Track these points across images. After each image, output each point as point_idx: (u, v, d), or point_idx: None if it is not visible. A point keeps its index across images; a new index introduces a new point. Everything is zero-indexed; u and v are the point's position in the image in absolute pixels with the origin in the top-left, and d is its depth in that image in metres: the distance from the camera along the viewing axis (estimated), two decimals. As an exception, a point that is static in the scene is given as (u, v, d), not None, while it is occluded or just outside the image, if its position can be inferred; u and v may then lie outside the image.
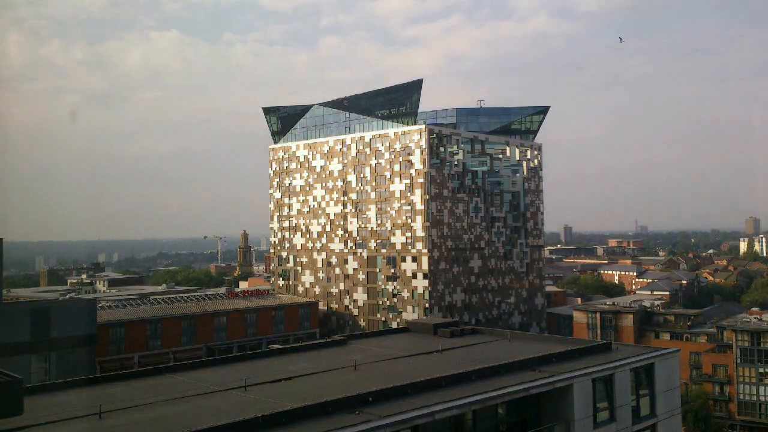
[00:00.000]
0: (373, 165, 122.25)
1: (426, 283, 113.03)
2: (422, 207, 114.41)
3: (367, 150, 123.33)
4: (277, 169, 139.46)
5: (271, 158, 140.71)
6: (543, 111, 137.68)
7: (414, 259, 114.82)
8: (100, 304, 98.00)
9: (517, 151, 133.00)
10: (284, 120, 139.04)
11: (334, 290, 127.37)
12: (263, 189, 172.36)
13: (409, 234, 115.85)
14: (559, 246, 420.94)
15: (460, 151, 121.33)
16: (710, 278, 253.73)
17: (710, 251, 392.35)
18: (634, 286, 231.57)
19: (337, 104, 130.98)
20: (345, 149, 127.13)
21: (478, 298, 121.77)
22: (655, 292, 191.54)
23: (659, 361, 37.33)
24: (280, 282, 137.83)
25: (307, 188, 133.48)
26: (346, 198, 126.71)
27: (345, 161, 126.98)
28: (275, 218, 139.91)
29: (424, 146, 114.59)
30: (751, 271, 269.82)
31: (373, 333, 51.50)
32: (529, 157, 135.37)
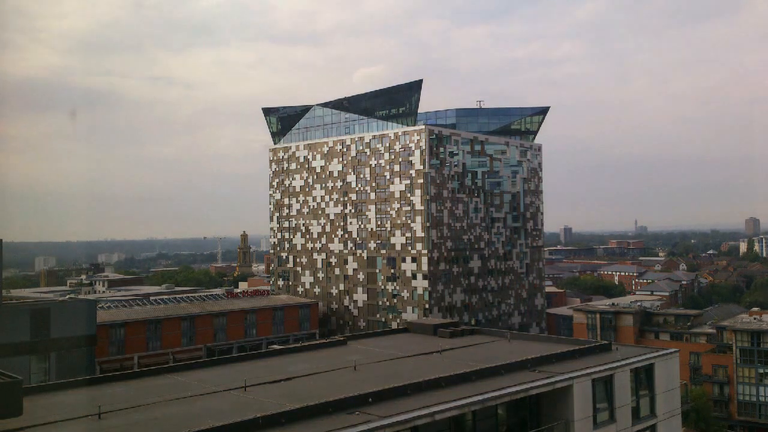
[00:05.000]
0: (373, 165, 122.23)
1: (426, 283, 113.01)
2: (422, 207, 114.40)
3: (367, 150, 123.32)
4: (277, 169, 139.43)
5: (271, 159, 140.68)
6: (543, 111, 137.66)
7: (414, 260, 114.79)
8: (99, 305, 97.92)
9: (516, 151, 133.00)
10: (284, 120, 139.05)
11: (334, 291, 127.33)
12: (263, 189, 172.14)
13: (408, 234, 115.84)
14: (558, 247, 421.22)
15: (460, 152, 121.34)
16: (710, 279, 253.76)
17: (710, 252, 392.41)
18: (634, 287, 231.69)
19: (336, 105, 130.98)
20: (345, 150, 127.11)
21: (477, 298, 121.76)
22: (654, 293, 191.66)
23: (659, 361, 37.36)
24: (280, 282, 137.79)
25: (307, 189, 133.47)
26: (345, 198, 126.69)
27: (345, 162, 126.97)
28: (275, 219, 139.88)
29: (423, 147, 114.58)
30: (751, 272, 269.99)
31: (373, 333, 51.43)
32: (528, 157, 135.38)
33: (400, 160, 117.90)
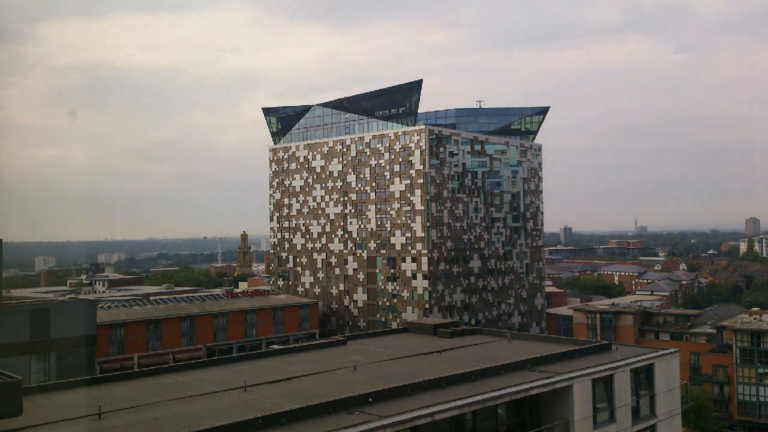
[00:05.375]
0: (373, 165, 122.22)
1: (426, 283, 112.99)
2: (422, 207, 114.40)
3: (367, 150, 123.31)
4: (277, 169, 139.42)
5: (271, 159, 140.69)
6: (543, 111, 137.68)
7: (414, 260, 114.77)
8: (99, 305, 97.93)
9: (516, 151, 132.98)
10: (284, 120, 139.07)
11: (334, 291, 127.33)
12: (263, 189, 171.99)
13: (408, 234, 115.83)
14: (559, 247, 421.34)
15: (460, 152, 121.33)
16: (710, 279, 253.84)
17: (710, 252, 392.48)
18: (634, 287, 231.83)
19: (336, 105, 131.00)
20: (345, 150, 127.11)
21: (477, 298, 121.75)
22: (655, 293, 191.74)
23: (659, 361, 37.36)
24: (280, 282, 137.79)
25: (307, 189, 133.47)
26: (345, 198, 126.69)
27: (345, 162, 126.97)
28: (275, 219, 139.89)
29: (423, 147, 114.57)
30: (751, 272, 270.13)
31: (373, 333, 51.46)
32: (528, 157, 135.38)
33: (400, 160, 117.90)
